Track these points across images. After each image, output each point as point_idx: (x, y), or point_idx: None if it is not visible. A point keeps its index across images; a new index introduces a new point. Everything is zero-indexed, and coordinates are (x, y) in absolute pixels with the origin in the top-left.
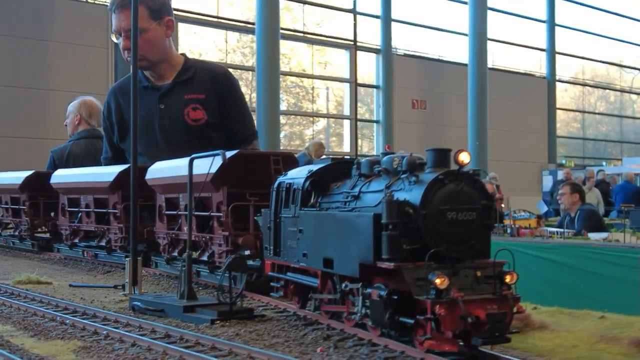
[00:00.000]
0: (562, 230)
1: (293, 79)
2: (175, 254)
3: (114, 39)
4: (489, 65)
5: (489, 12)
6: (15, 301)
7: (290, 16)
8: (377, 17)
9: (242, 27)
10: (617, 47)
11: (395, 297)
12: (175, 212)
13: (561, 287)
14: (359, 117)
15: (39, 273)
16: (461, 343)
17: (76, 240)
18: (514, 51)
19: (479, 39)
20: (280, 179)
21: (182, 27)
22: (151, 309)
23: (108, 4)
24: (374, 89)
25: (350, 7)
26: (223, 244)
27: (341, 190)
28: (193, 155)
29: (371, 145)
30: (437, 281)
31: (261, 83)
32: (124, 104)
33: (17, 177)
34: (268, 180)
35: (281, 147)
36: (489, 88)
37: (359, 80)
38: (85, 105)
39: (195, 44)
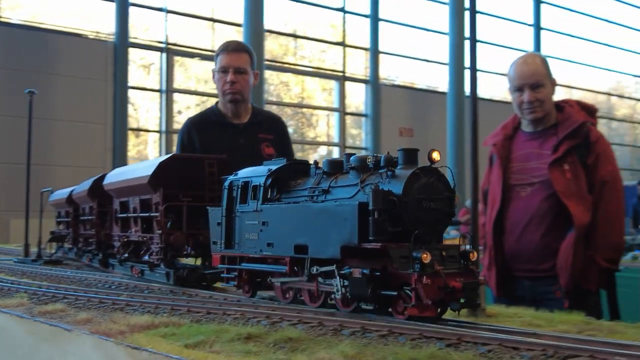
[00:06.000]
0: None
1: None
2: (127, 255)
3: (215, 75)
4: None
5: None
6: None
7: (294, 45)
8: (365, 49)
9: None
10: (612, 77)
11: (378, 273)
12: (125, 215)
13: None
14: (350, 144)
15: None
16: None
17: None
18: (497, 79)
19: (457, 68)
20: (231, 178)
21: (186, 61)
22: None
23: (218, 49)
24: (363, 117)
25: (340, 40)
26: (159, 242)
27: (305, 187)
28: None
29: None
30: (424, 256)
31: None
32: (195, 135)
33: None
34: (203, 183)
35: None
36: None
37: (351, 109)
38: None
39: (198, 74)
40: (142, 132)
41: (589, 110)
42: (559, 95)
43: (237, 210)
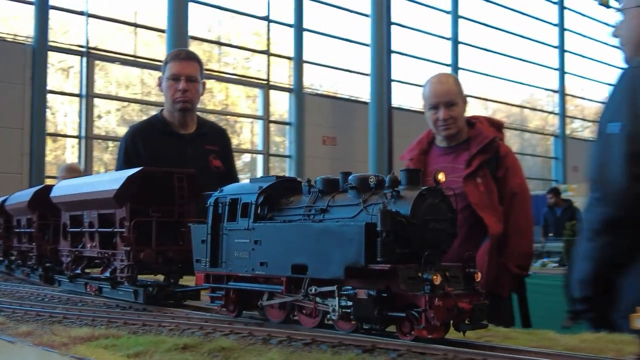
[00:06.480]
0: None
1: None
2: (79, 271)
3: (163, 83)
4: (397, 104)
5: (394, 54)
6: None
7: (218, 52)
8: (290, 58)
9: (157, 66)
10: (525, 91)
11: (385, 294)
12: (78, 230)
13: None
14: (274, 151)
15: None
16: None
17: None
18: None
19: (378, 79)
20: (217, 195)
21: (107, 65)
22: None
23: (168, 56)
24: (287, 126)
25: (265, 48)
26: (125, 259)
27: (300, 205)
28: None
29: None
30: (435, 278)
31: None
32: (140, 144)
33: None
34: (172, 197)
35: None
36: (393, 125)
37: (275, 117)
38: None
39: (119, 79)
40: (59, 137)
41: (497, 126)
42: (476, 107)
43: (224, 228)
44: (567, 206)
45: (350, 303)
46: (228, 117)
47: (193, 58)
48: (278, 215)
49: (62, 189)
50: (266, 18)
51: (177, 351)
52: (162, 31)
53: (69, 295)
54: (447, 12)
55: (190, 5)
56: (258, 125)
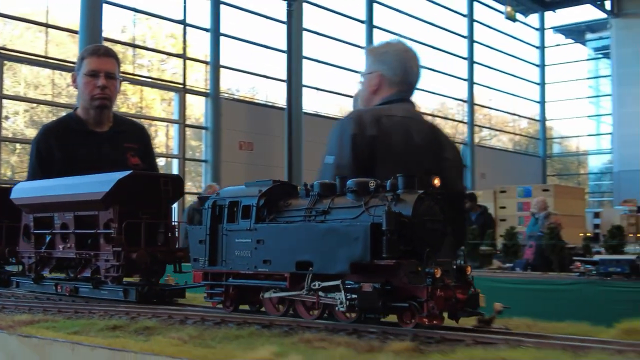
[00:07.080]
0: None
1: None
2: (46, 272)
3: (79, 79)
4: (310, 110)
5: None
6: None
7: (132, 54)
8: (206, 62)
9: (69, 67)
10: (437, 100)
11: (389, 287)
12: (49, 231)
13: None
14: (190, 155)
15: None
16: None
17: None
18: (330, 97)
19: (294, 85)
20: (214, 198)
21: (15, 65)
22: None
23: (84, 51)
24: (203, 130)
25: (181, 52)
26: (112, 259)
27: (299, 207)
28: None
29: (198, 184)
30: (436, 271)
31: None
32: (54, 144)
33: None
34: (158, 200)
35: None
36: (305, 131)
37: (191, 121)
38: None
39: (32, 78)
40: None
41: None
42: None
43: (224, 229)
44: (482, 211)
45: (354, 296)
46: (143, 120)
47: (111, 54)
48: (279, 217)
49: (26, 190)
50: (182, 22)
51: (108, 330)
52: (75, 32)
53: (1, 291)
54: (362, 22)
55: (104, 6)
56: (174, 129)
